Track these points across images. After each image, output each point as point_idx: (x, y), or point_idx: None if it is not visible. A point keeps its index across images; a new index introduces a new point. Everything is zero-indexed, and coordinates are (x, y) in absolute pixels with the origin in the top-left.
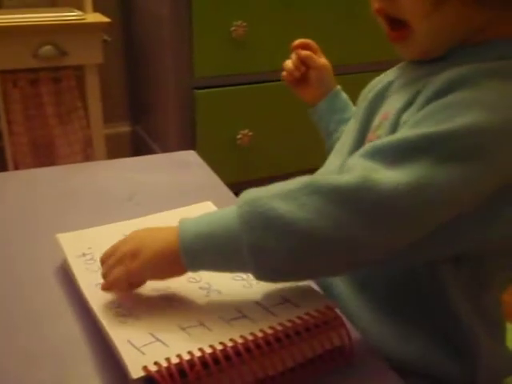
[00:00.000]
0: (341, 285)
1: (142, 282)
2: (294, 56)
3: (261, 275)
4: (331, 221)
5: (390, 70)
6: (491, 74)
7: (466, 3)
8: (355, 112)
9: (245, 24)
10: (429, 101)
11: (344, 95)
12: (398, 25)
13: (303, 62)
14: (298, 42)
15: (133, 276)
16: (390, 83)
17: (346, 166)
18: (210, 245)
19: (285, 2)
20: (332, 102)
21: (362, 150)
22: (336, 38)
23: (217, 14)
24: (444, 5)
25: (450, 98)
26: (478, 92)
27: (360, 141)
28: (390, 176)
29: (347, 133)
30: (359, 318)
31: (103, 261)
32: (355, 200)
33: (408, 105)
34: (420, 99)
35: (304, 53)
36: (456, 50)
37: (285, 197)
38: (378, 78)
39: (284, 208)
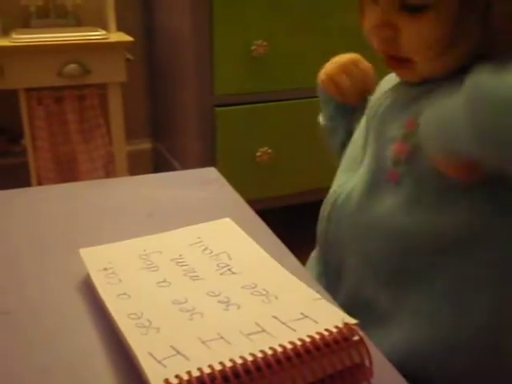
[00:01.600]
0: (385, 299)
1: None
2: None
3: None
4: None
5: (393, 86)
6: None
7: (473, 43)
8: (367, 122)
9: (265, 43)
10: None
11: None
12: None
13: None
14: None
15: None
16: (401, 94)
17: None
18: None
19: (305, 22)
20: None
21: None
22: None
23: (238, 33)
24: (455, 48)
25: None
26: None
27: (379, 155)
28: None
29: (354, 147)
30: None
31: None
32: None
33: None
34: None
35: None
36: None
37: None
38: (386, 91)
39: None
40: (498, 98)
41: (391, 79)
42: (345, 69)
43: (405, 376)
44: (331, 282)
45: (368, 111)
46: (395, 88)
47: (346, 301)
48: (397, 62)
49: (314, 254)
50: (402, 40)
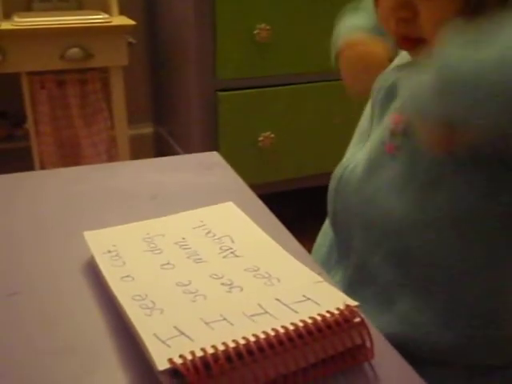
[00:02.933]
0: (388, 272)
1: None
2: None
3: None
4: None
5: (405, 63)
6: None
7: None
8: (374, 95)
9: (268, 27)
10: None
11: None
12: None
13: None
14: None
15: None
16: (406, 73)
17: None
18: None
19: (308, 7)
20: None
21: None
22: None
23: (240, 17)
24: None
25: None
26: None
27: (381, 127)
28: None
29: (365, 116)
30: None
31: None
32: None
33: None
34: None
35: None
36: None
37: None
38: (396, 65)
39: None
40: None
41: (404, 56)
42: (342, 55)
43: (403, 353)
44: (342, 253)
45: (375, 84)
46: (404, 66)
47: (354, 272)
48: (411, 42)
49: (324, 228)
50: (420, 20)
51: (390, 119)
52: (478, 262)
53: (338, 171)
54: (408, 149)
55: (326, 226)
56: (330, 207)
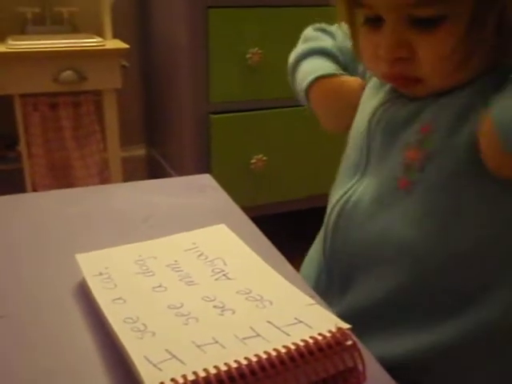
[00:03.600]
0: (391, 311)
1: None
2: None
3: None
4: None
5: (390, 91)
6: None
7: (485, 54)
8: (366, 127)
9: (260, 51)
10: None
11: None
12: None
13: None
14: None
15: None
16: (407, 103)
17: None
18: None
19: (300, 31)
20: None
21: None
22: None
23: (233, 42)
24: (470, 61)
25: None
26: None
27: (387, 163)
28: None
29: (354, 147)
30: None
31: None
32: None
33: (464, 111)
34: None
35: None
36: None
37: None
38: (387, 97)
39: None
40: None
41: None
42: (315, 90)
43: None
44: (334, 292)
45: (369, 117)
46: (398, 94)
47: (347, 311)
48: (405, 81)
49: (311, 253)
50: (419, 59)
51: (402, 154)
52: (482, 300)
53: (335, 207)
54: (427, 184)
55: (311, 257)
56: (327, 243)
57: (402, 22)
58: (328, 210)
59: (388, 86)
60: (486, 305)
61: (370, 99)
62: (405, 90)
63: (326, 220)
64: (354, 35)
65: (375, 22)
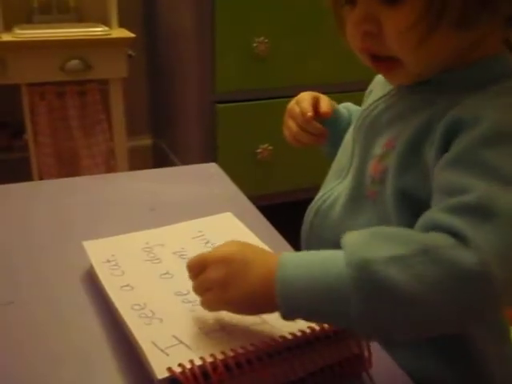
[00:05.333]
0: None
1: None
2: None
3: (362, 333)
4: (449, 295)
5: (382, 95)
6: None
7: (451, 32)
8: (354, 134)
9: (266, 40)
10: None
11: (342, 110)
12: (383, 59)
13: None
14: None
15: (222, 306)
16: (385, 110)
17: (432, 221)
18: (311, 302)
19: (306, 20)
20: (336, 123)
21: (447, 206)
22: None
23: (239, 31)
24: (431, 37)
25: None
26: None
27: (362, 169)
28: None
29: (343, 154)
30: None
31: (192, 270)
32: (477, 286)
33: (420, 136)
34: (438, 135)
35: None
36: (449, 72)
37: (400, 262)
38: (374, 101)
39: (400, 278)
40: (393, 292)
41: (380, 82)
42: (290, 113)
43: None
44: None
45: (355, 121)
46: (383, 99)
47: None
48: (384, 64)
49: None
50: (384, 34)
51: (369, 165)
52: None
53: (314, 205)
54: (384, 197)
55: None
56: (303, 241)
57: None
58: (308, 209)
59: (387, 89)
60: None
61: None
62: (388, 76)
63: (304, 218)
64: (337, 17)
65: (352, 1)
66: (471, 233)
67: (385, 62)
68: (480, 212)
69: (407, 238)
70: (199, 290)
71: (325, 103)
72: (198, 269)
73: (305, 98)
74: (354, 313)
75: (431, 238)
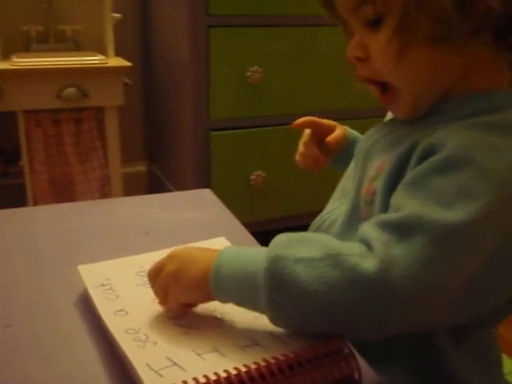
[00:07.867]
0: None
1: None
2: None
3: (276, 324)
4: (345, 298)
5: (384, 122)
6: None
7: (429, 48)
8: (356, 157)
9: (260, 70)
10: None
11: (352, 135)
12: (385, 88)
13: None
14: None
15: (173, 299)
16: (384, 135)
17: (360, 233)
18: (236, 287)
19: (299, 49)
20: (348, 148)
21: (376, 221)
22: (349, 84)
23: (234, 60)
24: (407, 52)
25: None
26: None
27: (358, 190)
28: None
29: (348, 177)
30: None
31: (151, 278)
32: (375, 291)
33: (403, 159)
34: (415, 159)
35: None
36: (440, 104)
37: (308, 263)
38: (377, 126)
39: (304, 276)
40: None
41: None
42: (303, 140)
43: None
44: None
45: (358, 145)
46: (384, 126)
47: None
48: (386, 95)
49: None
50: (370, 57)
51: (363, 187)
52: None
53: (316, 223)
54: None
55: None
56: None
57: (361, 26)
58: (310, 225)
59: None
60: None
61: None
62: (390, 107)
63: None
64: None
65: (351, 35)
66: (379, 244)
67: (386, 94)
68: (401, 229)
69: (325, 244)
70: (159, 291)
71: (336, 133)
72: (156, 274)
73: (304, 135)
74: (263, 300)
75: (346, 247)
